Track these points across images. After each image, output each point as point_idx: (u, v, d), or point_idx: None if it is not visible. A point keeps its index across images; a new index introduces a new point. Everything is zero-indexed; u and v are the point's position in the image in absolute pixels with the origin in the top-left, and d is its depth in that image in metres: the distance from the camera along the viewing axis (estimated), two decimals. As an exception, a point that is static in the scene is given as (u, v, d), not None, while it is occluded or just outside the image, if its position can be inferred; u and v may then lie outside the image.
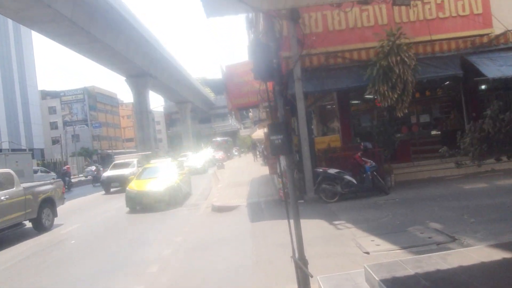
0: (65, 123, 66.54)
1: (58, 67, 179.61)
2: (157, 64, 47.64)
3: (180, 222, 9.82)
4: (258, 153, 36.33)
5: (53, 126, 69.69)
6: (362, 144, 9.40)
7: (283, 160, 10.02)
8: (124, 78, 48.32)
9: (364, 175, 9.14)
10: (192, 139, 71.69)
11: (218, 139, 60.37)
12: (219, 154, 41.64)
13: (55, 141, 65.42)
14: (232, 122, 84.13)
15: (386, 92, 9.05)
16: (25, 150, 44.59)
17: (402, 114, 9.63)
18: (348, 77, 10.01)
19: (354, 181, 9.06)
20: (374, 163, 9.22)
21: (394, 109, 9.64)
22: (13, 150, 34.42)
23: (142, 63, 43.79)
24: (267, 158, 20.28)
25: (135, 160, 21.06)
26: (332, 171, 9.08)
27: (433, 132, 12.34)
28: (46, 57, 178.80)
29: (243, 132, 54.46)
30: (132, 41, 38.42)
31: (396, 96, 9.08)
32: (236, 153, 58.00)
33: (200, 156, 34.11)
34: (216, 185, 17.37)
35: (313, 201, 9.35)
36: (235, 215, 9.51)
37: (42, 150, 64.81)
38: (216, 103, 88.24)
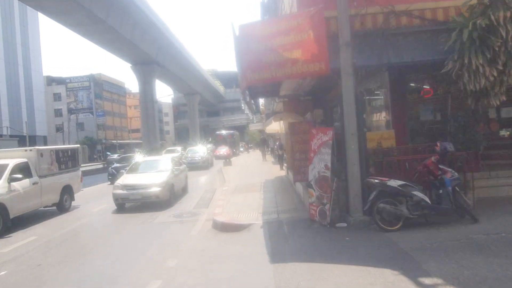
0: (70, 111, 64.39)
1: (66, 55, 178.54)
2: (165, 52, 44.80)
3: (164, 246, 6.90)
4: (269, 150, 32.16)
5: (58, 113, 67.60)
6: (439, 144, 6.32)
7: (318, 164, 7.04)
8: (130, 65, 45.69)
9: (441, 191, 6.09)
10: (200, 132, 68.92)
11: (223, 132, 53.41)
12: (224, 150, 36.83)
13: (59, 129, 63.19)
14: (246, 112, 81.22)
15: (480, 68, 5.97)
16: (17, 137, 42.12)
17: (498, 103, 6.55)
18: (415, 47, 6.94)
19: (427, 200, 6.02)
20: (456, 174, 6.16)
21: (484, 94, 6.55)
22: None
23: (149, 50, 40.99)
24: (281, 158, 17.33)
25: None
26: (394, 183, 6.04)
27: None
28: (56, 44, 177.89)
29: (253, 127, 50.73)
30: (139, 25, 35.58)
31: (495, 74, 6.00)
32: (242, 149, 54.25)
33: (200, 149, 29.89)
34: (221, 186, 14.45)
35: (362, 225, 6.34)
36: (246, 242, 6.55)
37: (45, 138, 62.70)
38: (226, 96, 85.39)
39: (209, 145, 47.25)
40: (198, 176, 19.83)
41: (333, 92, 12.31)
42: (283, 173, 16.41)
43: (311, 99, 15.58)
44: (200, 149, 29.49)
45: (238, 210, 8.80)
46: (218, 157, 34.69)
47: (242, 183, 14.40)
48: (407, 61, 7.01)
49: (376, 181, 6.20)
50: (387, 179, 6.16)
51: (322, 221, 6.66)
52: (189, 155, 27.29)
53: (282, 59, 6.73)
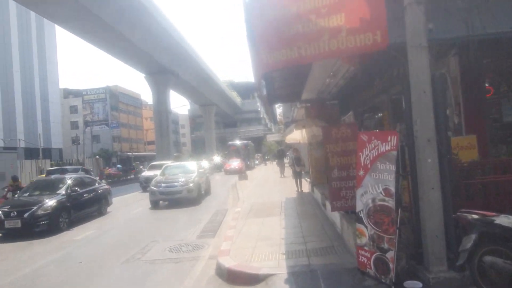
0: (86, 123, 63.83)
1: (84, 68, 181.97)
2: (179, 61, 43.37)
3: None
4: (288, 163, 28.81)
5: (74, 125, 67.26)
6: None
7: (373, 187, 4.52)
8: (144, 76, 44.45)
9: None
10: (216, 144, 67.08)
11: (237, 142, 47.36)
12: (236, 163, 33.06)
13: (74, 141, 62.76)
14: (263, 123, 78.80)
15: None
16: (15, 148, 41.26)
17: None
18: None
19: None
20: None
21: None
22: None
23: (162, 59, 39.61)
24: (299, 176, 14.57)
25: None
26: (508, 221, 3.63)
27: None
28: (74, 57, 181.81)
29: (271, 137, 48.34)
30: (151, 33, 34.17)
31: None
32: (257, 162, 51.35)
33: (186, 167, 16.26)
34: (234, 206, 12.19)
35: (451, 286, 3.93)
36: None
37: (60, 150, 62.23)
38: (243, 107, 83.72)
39: (216, 158, 43.69)
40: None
41: (364, 93, 10.03)
42: (306, 189, 14.01)
43: (337, 104, 13.31)
44: (186, 167, 16.04)
45: (252, 246, 6.48)
46: (229, 172, 32.03)
47: (259, 201, 12.11)
48: (506, 30, 4.62)
49: (475, 216, 3.80)
50: (493, 214, 3.76)
51: (380, 276, 4.29)
52: (162, 179, 14.42)
53: (315, 30, 4.49)
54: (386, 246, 4.25)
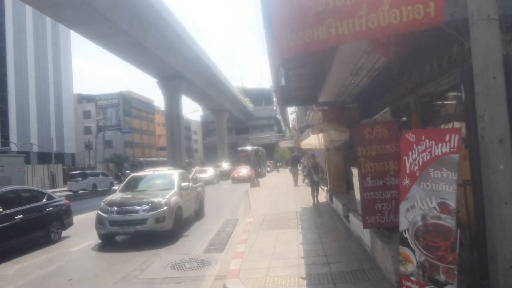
0: (99, 128, 64.01)
1: (98, 75, 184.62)
2: (192, 66, 42.96)
3: None
4: (301, 171, 25.82)
5: (87, 130, 67.58)
6: None
7: (423, 200, 3.45)
8: (156, 81, 44.22)
9: None
10: (228, 150, 66.37)
11: (248, 147, 44.07)
12: (245, 171, 30.43)
13: (87, 146, 63.10)
14: (275, 129, 77.94)
15: None
16: (28, 153, 41.19)
17: None
18: None
19: None
20: None
21: None
22: (3, 152, 30.22)
23: (175, 64, 39.23)
24: (316, 186, 12.53)
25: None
26: None
27: None
28: (89, 64, 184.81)
29: (284, 144, 47.20)
30: (164, 38, 33.82)
31: None
32: (269, 169, 49.86)
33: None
34: (245, 216, 11.27)
35: None
36: None
37: (73, 155, 62.52)
38: (255, 114, 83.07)
39: (225, 164, 39.97)
40: (218, 196, 16.45)
41: (387, 95, 9.04)
42: (321, 197, 12.97)
43: (357, 107, 12.34)
44: (162, 180, 10.27)
45: (266, 267, 5.54)
46: (237, 180, 29.46)
47: (272, 211, 11.17)
48: None
49: None
50: None
51: (435, 317, 3.30)
52: (118, 198, 9.02)
53: (349, 3, 3.61)
54: (442, 278, 3.27)
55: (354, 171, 6.64)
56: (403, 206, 3.69)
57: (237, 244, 7.24)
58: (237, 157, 41.43)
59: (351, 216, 7.39)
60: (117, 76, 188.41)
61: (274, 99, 60.38)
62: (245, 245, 6.99)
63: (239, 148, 45.07)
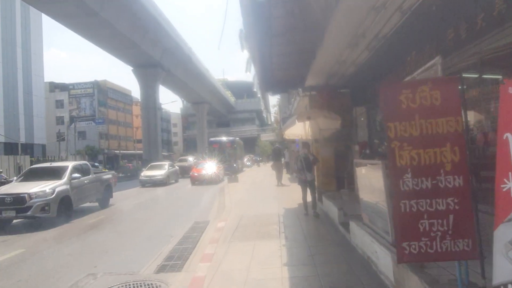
0: (72, 119, 60.83)
1: (72, 63, 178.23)
2: (171, 55, 40.83)
3: None
4: (286, 166, 23.26)
5: (60, 121, 64.20)
6: None
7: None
8: (131, 69, 41.85)
9: None
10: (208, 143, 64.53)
11: (223, 138, 36.28)
12: (209, 168, 22.74)
13: (59, 137, 59.80)
14: (256, 124, 76.34)
15: None
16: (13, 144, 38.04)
17: None
18: None
19: None
20: None
21: None
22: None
23: (152, 51, 37.03)
24: (311, 186, 8.75)
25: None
26: None
27: None
28: (64, 53, 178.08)
29: (265, 137, 45.54)
30: (139, 21, 31.60)
31: None
32: (249, 163, 48.38)
33: None
34: (218, 217, 9.63)
35: None
36: None
37: (43, 146, 59.17)
38: (236, 107, 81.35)
39: (190, 159, 33.03)
40: (191, 196, 14.45)
41: (389, 76, 7.65)
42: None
43: (349, 93, 10.90)
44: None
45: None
46: (197, 180, 21.75)
47: (249, 214, 9.58)
48: None
49: None
50: None
51: None
52: None
53: None
54: None
55: (358, 170, 5.10)
56: (504, 233, 2.10)
57: (199, 262, 5.56)
58: (210, 149, 33.01)
59: (353, 226, 5.76)
60: (95, 67, 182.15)
61: (255, 89, 58.18)
62: (209, 264, 5.34)
63: (211, 139, 36.93)
